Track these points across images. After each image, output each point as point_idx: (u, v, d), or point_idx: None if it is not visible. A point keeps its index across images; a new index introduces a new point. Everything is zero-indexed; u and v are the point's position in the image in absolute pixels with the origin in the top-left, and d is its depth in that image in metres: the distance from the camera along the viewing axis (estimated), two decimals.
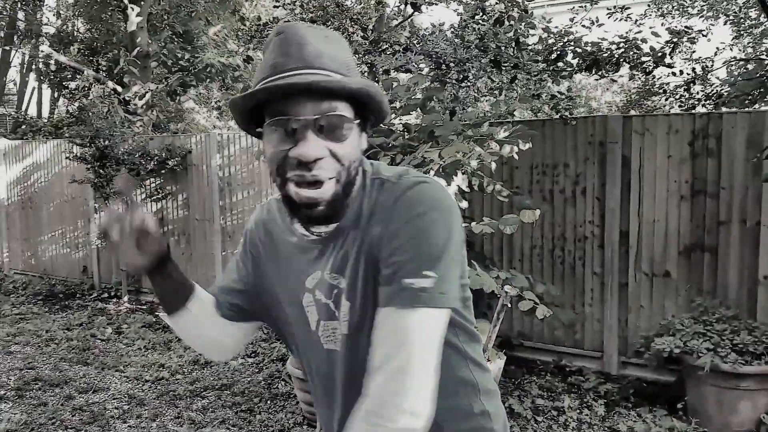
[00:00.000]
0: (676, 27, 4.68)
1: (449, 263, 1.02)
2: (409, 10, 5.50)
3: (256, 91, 1.00)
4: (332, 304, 1.11)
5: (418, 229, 1.01)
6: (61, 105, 12.74)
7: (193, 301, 1.28)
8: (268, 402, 4.15)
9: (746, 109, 5.03)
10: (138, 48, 8.77)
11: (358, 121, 1.04)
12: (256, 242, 1.26)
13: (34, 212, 8.44)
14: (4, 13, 10.58)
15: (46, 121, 11.33)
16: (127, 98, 8.52)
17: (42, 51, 9.04)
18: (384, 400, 0.95)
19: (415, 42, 5.03)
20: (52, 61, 9.61)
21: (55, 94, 12.44)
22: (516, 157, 4.34)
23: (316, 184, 1.00)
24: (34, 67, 12.13)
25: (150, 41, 8.96)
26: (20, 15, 11.43)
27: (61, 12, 11.35)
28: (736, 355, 3.65)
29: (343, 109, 1.01)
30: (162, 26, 9.35)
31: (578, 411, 4.00)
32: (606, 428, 3.77)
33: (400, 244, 1.01)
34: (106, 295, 7.36)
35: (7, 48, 11.48)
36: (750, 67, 5.76)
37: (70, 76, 9.60)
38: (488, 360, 3.91)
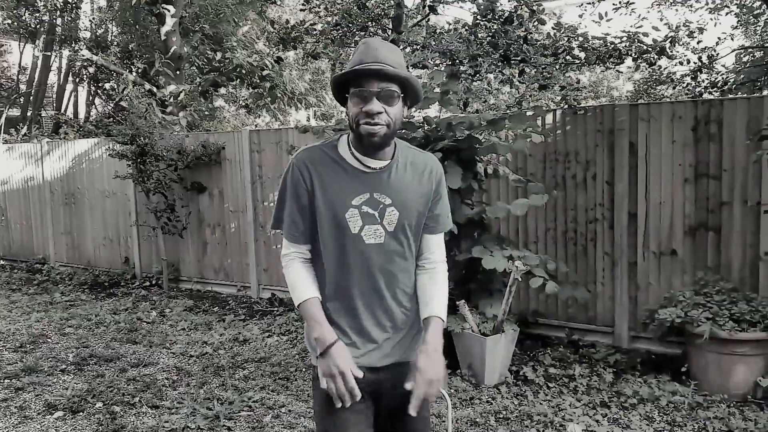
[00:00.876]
0: (674, 22, 4.93)
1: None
2: (425, 11, 5.87)
3: (348, 71, 1.75)
4: (377, 214, 1.83)
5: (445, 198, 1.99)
6: (98, 105, 13.34)
7: None
8: (303, 371, 4.56)
9: (750, 95, 5.27)
10: (172, 50, 9.25)
11: (402, 95, 1.78)
12: (306, 175, 1.84)
13: (77, 207, 8.98)
14: (44, 21, 11.19)
15: (83, 121, 11.93)
16: (163, 98, 9.00)
17: (82, 55, 9.58)
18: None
19: (431, 41, 5.37)
20: (92, 65, 10.16)
21: (92, 96, 13.06)
22: (527, 147, 4.67)
23: (376, 125, 1.73)
24: (72, 70, 12.75)
25: (182, 44, 9.43)
26: (58, 21, 12.05)
27: (96, 17, 11.90)
28: (733, 323, 3.95)
29: (395, 87, 1.75)
30: (193, 29, 9.81)
31: (588, 378, 4.32)
32: (613, 392, 4.09)
33: (441, 203, 1.97)
34: (147, 283, 7.85)
35: (48, 53, 12.11)
36: (758, 54, 5.99)
37: (106, 78, 10.14)
38: (502, 331, 4.26)
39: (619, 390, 4.11)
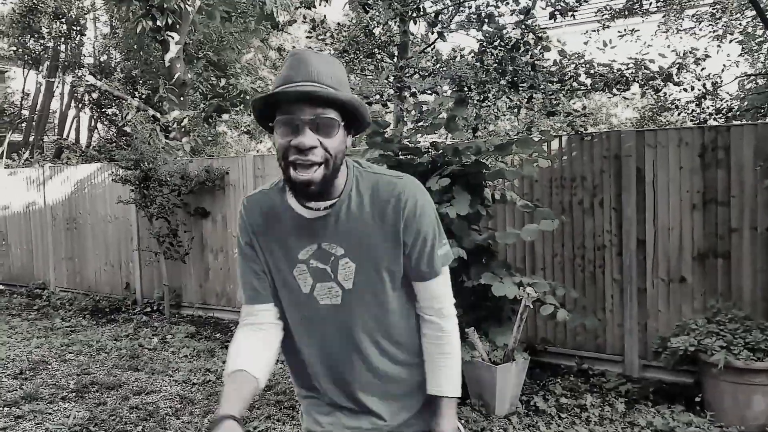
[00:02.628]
0: (681, 49, 4.96)
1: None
2: (431, 37, 5.92)
3: (271, 95, 1.38)
4: (329, 269, 1.49)
5: (427, 233, 1.53)
6: (100, 131, 13.38)
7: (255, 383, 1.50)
8: None
9: (756, 121, 5.29)
10: (176, 76, 9.30)
11: (343, 123, 1.40)
12: (248, 228, 1.56)
13: (78, 232, 8.93)
14: (49, 47, 11.27)
15: (85, 146, 11.95)
16: (167, 124, 9.01)
17: (87, 80, 9.64)
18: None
19: (439, 67, 5.40)
20: (95, 91, 10.22)
21: (94, 121, 13.11)
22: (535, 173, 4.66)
23: (311, 167, 1.36)
24: (75, 95, 12.80)
25: (186, 70, 9.48)
26: (62, 48, 12.14)
27: (100, 44, 12.01)
28: (748, 352, 3.88)
29: (333, 114, 1.37)
30: (197, 55, 9.88)
31: (600, 408, 4.24)
32: (626, 423, 4.01)
33: (421, 242, 1.51)
34: (149, 309, 7.77)
35: (51, 79, 12.18)
36: (761, 82, 6.02)
37: (109, 103, 10.18)
38: (513, 359, 4.19)
39: (632, 420, 4.03)
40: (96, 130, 13.39)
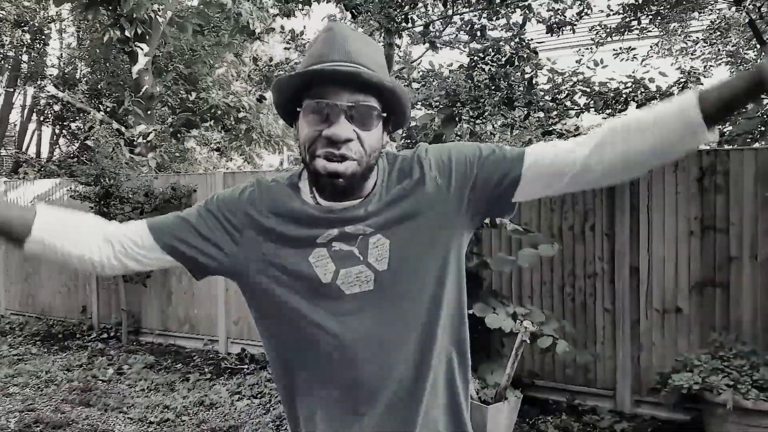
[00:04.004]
0: (684, 67, 4.77)
1: None
2: (417, 49, 5.67)
3: (304, 72, 1.12)
4: (356, 250, 1.18)
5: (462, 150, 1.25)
6: (63, 145, 12.81)
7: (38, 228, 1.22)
8: None
9: (751, 146, 5.11)
10: (144, 89, 8.86)
11: (384, 114, 1.17)
12: (251, 223, 1.24)
13: None
14: (9, 56, 10.73)
15: (46, 161, 11.37)
16: (132, 138, 8.56)
17: (48, 92, 9.14)
18: None
19: (431, 80, 5.13)
20: (57, 103, 9.72)
21: (56, 136, 12.54)
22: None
23: (343, 160, 1.11)
24: (36, 108, 12.22)
25: (155, 83, 9.06)
26: (24, 57, 11.60)
27: (63, 54, 11.52)
28: (756, 391, 3.61)
29: (374, 102, 1.14)
30: (167, 68, 9.47)
31: None
32: None
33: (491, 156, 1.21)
34: (105, 335, 7.22)
35: (10, 90, 11.59)
36: (749, 107, 5.87)
37: (72, 116, 9.69)
38: (505, 398, 3.84)
39: None
40: (58, 145, 12.82)
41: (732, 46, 6.65)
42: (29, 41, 11.59)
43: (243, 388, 5.19)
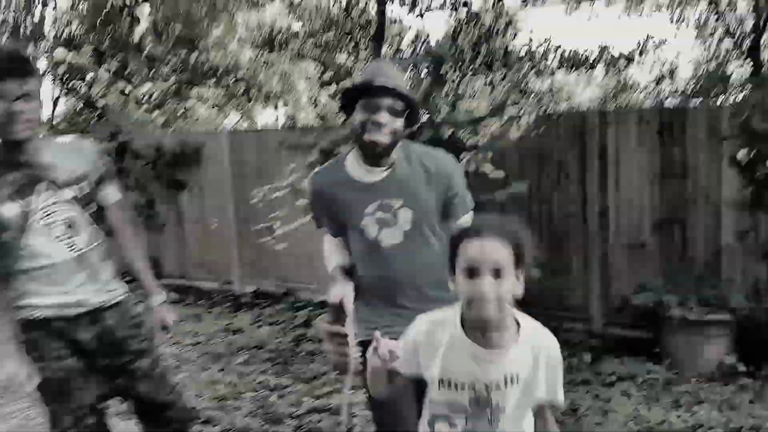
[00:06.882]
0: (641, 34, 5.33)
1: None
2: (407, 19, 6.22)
3: (363, 84, 2.01)
4: (391, 216, 2.05)
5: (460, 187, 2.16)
6: (62, 104, 13.16)
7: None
8: (299, 356, 4.75)
9: (709, 102, 5.75)
10: (146, 50, 9.29)
11: (407, 111, 2.03)
12: (319, 197, 2.19)
13: None
14: (8, 19, 11.00)
15: (47, 119, 11.76)
16: (137, 98, 9.02)
17: (55, 54, 9.51)
18: None
19: (418, 45, 5.67)
20: (62, 64, 10.08)
21: (58, 95, 12.89)
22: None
23: (381, 135, 1.97)
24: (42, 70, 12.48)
25: (156, 44, 9.48)
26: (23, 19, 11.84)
27: (65, 16, 11.79)
28: (700, 306, 4.33)
29: (400, 106, 2.00)
30: (167, 30, 9.88)
31: (568, 360, 4.62)
32: (593, 372, 4.42)
33: (458, 195, 2.14)
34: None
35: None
36: (712, 66, 6.51)
37: (77, 76, 10.09)
38: None
39: (598, 370, 4.44)
40: (56, 103, 13.17)
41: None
42: (25, 2, 11.80)
43: (262, 317, 5.89)
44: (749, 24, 6.66)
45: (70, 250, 2.11)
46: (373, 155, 2.01)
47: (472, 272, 1.44)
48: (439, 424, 1.58)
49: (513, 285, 1.48)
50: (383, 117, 1.95)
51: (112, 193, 2.31)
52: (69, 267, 2.12)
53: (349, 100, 2.05)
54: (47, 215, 2.08)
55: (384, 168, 2.04)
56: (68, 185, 2.14)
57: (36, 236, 2.05)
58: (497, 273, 1.44)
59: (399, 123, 2.00)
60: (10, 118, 1.97)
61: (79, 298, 2.14)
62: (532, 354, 1.54)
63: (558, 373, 1.59)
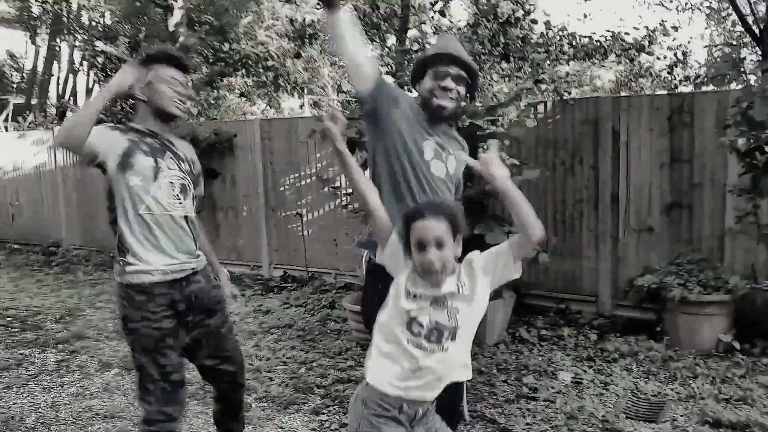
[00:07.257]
0: (651, 21, 5.48)
1: None
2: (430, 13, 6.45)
3: (434, 53, 2.35)
4: (444, 154, 2.40)
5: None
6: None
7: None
8: (327, 334, 5.15)
9: (721, 88, 5.87)
10: (179, 41, 9.67)
11: (469, 83, 2.38)
12: (402, 107, 2.37)
13: (89, 191, 9.40)
14: (50, 11, 11.51)
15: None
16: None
17: (96, 46, 9.97)
18: None
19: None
20: (100, 55, 10.57)
21: (93, 84, 13.44)
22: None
23: (449, 100, 2.31)
24: (81, 60, 13.03)
25: (189, 35, 9.85)
26: (63, 11, 12.37)
27: (102, 9, 12.26)
28: (700, 288, 4.58)
29: (465, 75, 2.34)
30: (199, 21, 10.24)
31: (575, 338, 4.95)
32: (597, 349, 4.72)
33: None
34: None
35: (54, 43, 12.40)
36: (726, 50, 6.61)
37: (114, 67, 10.52)
38: (502, 297, 4.86)
39: (602, 347, 4.74)
40: (91, 93, 13.73)
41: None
42: None
43: (290, 300, 6.31)
44: (761, 8, 6.68)
45: (182, 208, 2.52)
46: (440, 118, 2.33)
47: (421, 246, 1.81)
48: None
49: (453, 249, 1.84)
50: (451, 83, 2.26)
51: (199, 188, 2.72)
52: (179, 224, 2.51)
53: (419, 70, 2.37)
54: (170, 176, 2.49)
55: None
56: (185, 161, 2.59)
57: (160, 189, 2.46)
58: (439, 245, 1.80)
59: (463, 90, 2.31)
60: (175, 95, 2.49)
61: (182, 261, 2.51)
62: (465, 269, 1.92)
63: (484, 253, 1.93)
